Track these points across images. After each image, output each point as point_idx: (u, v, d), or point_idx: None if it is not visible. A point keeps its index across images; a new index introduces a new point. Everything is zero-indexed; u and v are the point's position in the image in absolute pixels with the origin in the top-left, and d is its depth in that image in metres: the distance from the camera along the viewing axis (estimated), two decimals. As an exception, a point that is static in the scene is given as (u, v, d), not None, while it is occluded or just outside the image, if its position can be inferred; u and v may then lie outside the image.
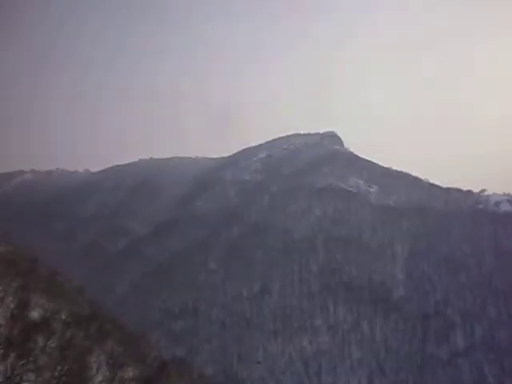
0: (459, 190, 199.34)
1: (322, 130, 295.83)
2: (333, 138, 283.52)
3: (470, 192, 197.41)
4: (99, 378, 43.74)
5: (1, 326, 36.07)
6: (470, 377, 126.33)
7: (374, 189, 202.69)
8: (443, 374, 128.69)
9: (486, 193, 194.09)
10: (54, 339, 39.85)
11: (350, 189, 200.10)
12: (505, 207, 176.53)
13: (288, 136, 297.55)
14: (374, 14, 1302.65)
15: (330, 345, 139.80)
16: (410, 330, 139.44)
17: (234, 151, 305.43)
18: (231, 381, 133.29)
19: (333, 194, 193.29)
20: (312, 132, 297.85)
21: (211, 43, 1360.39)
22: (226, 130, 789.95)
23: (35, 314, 45.31)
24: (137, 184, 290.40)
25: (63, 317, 51.16)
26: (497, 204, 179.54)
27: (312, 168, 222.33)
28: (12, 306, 42.54)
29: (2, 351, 31.80)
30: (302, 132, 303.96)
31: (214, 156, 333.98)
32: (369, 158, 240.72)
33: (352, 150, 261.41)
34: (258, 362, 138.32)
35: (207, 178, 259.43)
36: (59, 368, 33.76)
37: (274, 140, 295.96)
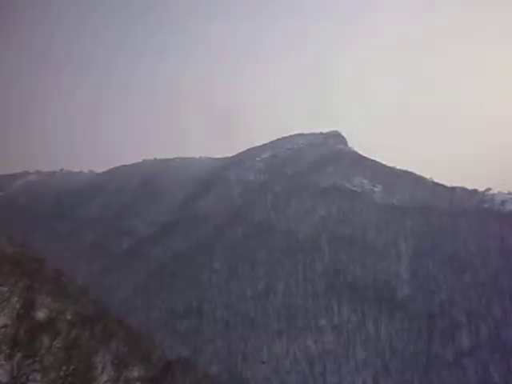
0: (464, 189, 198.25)
1: (323, 130, 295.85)
2: (337, 137, 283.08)
3: (475, 191, 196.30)
4: (104, 377, 43.83)
5: (7, 326, 36.21)
6: (476, 377, 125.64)
7: (378, 188, 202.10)
8: (448, 373, 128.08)
9: (491, 192, 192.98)
10: (60, 339, 39.95)
11: (354, 188, 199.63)
12: (510, 206, 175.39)
13: (292, 136, 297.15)
14: (374, 13, 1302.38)
15: (335, 345, 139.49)
16: (416, 329, 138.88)
17: (235, 151, 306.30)
18: (236, 380, 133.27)
19: (337, 193, 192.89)
20: (316, 131, 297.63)
21: (212, 43, 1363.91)
22: (227, 130, 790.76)
23: (41, 314, 45.46)
24: (140, 184, 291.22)
25: (68, 317, 51.31)
26: (502, 203, 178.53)
27: (316, 168, 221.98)
28: (18, 306, 42.69)
29: (8, 351, 31.95)
30: (305, 132, 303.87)
31: (215, 156, 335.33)
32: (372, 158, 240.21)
33: (356, 149, 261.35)
34: (263, 362, 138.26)
35: (211, 178, 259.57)
36: (65, 368, 33.84)
37: (278, 140, 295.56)
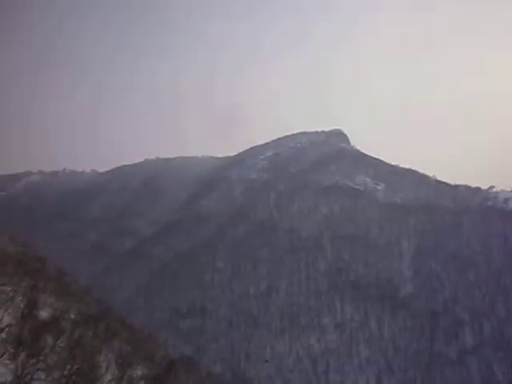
0: (467, 187, 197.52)
1: (325, 129, 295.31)
2: (339, 135, 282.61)
3: (478, 189, 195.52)
4: (108, 376, 43.90)
5: (11, 326, 36.29)
6: (479, 375, 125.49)
7: (380, 186, 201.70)
8: (452, 372, 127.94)
9: (494, 190, 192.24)
10: (63, 338, 40.03)
11: (356, 187, 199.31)
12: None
13: (294, 134, 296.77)
14: (374, 13, 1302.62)
15: (338, 343, 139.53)
16: (418, 327, 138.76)
17: (236, 151, 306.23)
18: (239, 379, 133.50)
19: (339, 192, 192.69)
20: (318, 130, 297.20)
21: (212, 43, 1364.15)
22: (227, 129, 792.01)
23: (44, 314, 45.56)
24: (143, 184, 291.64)
25: (72, 316, 51.44)
26: (506, 201, 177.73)
27: (318, 166, 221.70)
28: (21, 305, 42.80)
29: (12, 350, 32.03)
30: (307, 130, 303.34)
31: (216, 156, 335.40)
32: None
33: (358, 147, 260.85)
34: (266, 361, 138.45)
35: (213, 177, 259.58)
36: (69, 367, 33.90)
37: (280, 139, 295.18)
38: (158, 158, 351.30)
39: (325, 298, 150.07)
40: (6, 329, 35.74)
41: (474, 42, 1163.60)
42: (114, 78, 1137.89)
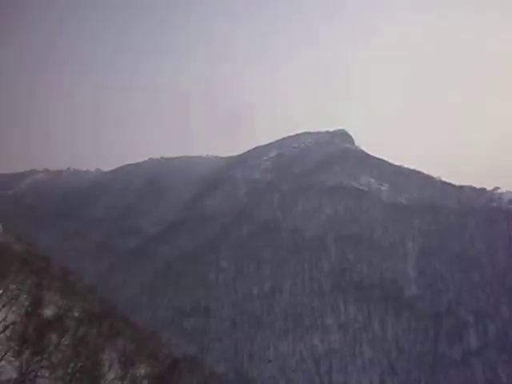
0: (472, 188, 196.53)
1: (329, 129, 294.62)
2: (343, 135, 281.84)
3: (483, 190, 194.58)
4: (111, 375, 44.12)
5: (15, 323, 36.57)
6: (483, 377, 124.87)
7: (385, 187, 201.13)
8: (456, 373, 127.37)
9: (499, 190, 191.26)
10: (68, 336, 40.29)
11: (361, 187, 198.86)
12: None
13: (298, 134, 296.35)
14: (378, 13, 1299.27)
15: (341, 343, 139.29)
16: (422, 329, 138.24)
17: (239, 151, 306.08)
18: (242, 379, 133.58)
19: (344, 192, 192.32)
20: (322, 130, 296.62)
21: (216, 43, 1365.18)
22: (231, 129, 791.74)
23: (49, 312, 45.86)
24: (147, 183, 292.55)
25: (76, 314, 51.74)
26: (511, 202, 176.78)
27: (323, 166, 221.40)
28: (26, 303, 43.13)
29: (16, 348, 32.28)
30: (311, 130, 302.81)
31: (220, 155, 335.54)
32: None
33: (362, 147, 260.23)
34: (269, 361, 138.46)
35: (217, 176, 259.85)
36: (72, 365, 34.11)
37: (284, 139, 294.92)
38: (162, 158, 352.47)
39: (328, 299, 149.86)
40: (11, 326, 36.02)
41: (480, 41, 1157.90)
42: (117, 78, 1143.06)
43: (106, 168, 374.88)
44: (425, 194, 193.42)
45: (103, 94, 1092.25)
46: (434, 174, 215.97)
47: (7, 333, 35.29)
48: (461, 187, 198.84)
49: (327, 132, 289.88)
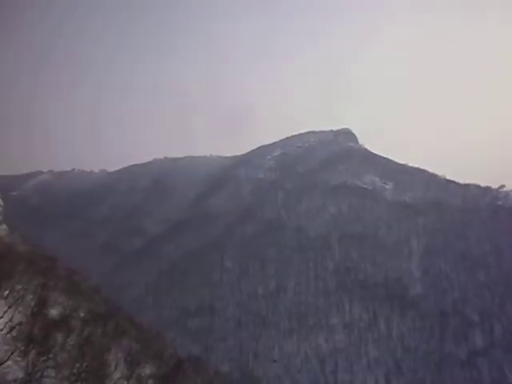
0: (477, 186, 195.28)
1: (335, 128, 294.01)
2: (347, 134, 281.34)
3: (488, 188, 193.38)
4: (117, 374, 44.29)
5: (22, 324, 36.80)
6: (489, 376, 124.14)
7: (389, 185, 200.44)
8: (461, 373, 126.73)
9: (504, 189, 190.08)
10: (73, 336, 40.51)
11: (365, 186, 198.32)
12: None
13: (302, 134, 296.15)
14: (382, 14, 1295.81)
15: (347, 343, 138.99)
16: (428, 328, 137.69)
17: (243, 151, 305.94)
18: (247, 379, 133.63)
19: (348, 191, 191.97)
20: (326, 129, 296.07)
21: (221, 42, 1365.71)
22: (235, 129, 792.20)
23: (54, 312, 46.09)
24: (151, 183, 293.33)
25: (81, 314, 51.98)
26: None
27: (327, 165, 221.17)
28: (32, 303, 43.38)
29: (23, 348, 32.46)
30: (315, 129, 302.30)
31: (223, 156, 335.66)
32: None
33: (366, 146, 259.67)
34: (274, 361, 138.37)
35: (221, 176, 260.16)
36: (78, 365, 34.30)
37: (288, 138, 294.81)
38: (166, 158, 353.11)
39: (333, 298, 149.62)
40: (17, 327, 36.28)
41: (485, 41, 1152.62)
42: (119, 78, 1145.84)
43: (109, 168, 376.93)
44: (429, 192, 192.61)
45: (105, 94, 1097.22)
46: (438, 172, 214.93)
47: (13, 333, 35.56)
48: (466, 185, 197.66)
49: (331, 131, 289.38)
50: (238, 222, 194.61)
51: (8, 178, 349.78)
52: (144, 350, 56.71)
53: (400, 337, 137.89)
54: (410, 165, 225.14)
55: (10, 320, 38.41)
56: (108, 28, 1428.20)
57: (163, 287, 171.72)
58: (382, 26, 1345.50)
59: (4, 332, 36.34)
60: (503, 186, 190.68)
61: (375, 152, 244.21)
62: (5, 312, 39.14)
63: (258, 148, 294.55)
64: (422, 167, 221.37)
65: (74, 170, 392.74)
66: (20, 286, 45.31)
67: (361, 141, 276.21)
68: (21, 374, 29.92)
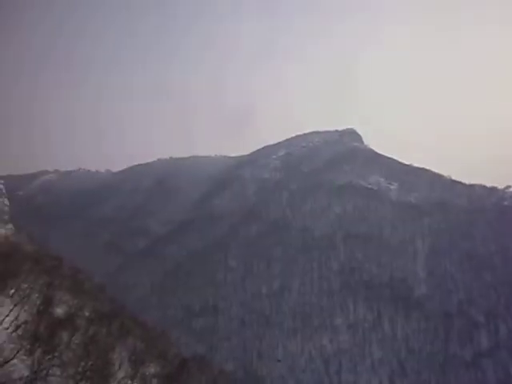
0: (483, 187, 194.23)
1: (339, 128, 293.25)
2: (352, 134, 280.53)
3: (494, 188, 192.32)
4: (122, 373, 44.48)
5: (27, 323, 37.06)
6: (495, 377, 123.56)
7: (394, 186, 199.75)
8: (467, 374, 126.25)
9: (511, 189, 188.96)
10: (78, 335, 40.74)
11: (370, 186, 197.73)
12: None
13: (307, 134, 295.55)
14: (384, 14, 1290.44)
15: (351, 343, 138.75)
16: (432, 329, 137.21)
17: (249, 150, 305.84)
18: (251, 378, 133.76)
19: (353, 191, 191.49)
20: (331, 129, 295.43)
21: (225, 43, 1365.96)
22: (240, 129, 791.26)
23: (60, 311, 46.38)
24: (156, 184, 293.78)
25: (86, 314, 52.25)
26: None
27: (331, 165, 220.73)
28: (38, 302, 43.68)
29: (28, 346, 32.70)
30: (320, 129, 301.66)
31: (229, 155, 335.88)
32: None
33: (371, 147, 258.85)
34: (278, 360, 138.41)
35: (226, 176, 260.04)
36: (83, 363, 34.51)
37: (293, 138, 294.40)
38: (170, 158, 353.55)
39: (337, 298, 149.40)
40: (23, 325, 36.54)
41: (488, 42, 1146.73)
42: (121, 78, 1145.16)
43: (112, 169, 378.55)
44: (434, 192, 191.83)
45: (106, 94, 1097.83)
46: (443, 172, 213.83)
47: (19, 331, 35.84)
48: (471, 186, 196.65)
49: (336, 131, 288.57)
50: (242, 222, 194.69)
51: (13, 178, 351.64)
52: (148, 349, 56.90)
53: (404, 337, 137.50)
54: (415, 165, 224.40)
55: (16, 318, 38.71)
56: (109, 28, 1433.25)
57: (168, 287, 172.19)
58: (383, 25, 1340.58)
59: (10, 330, 36.62)
60: (509, 187, 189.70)
61: (380, 152, 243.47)
62: (11, 311, 39.44)
63: (262, 148, 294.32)
64: (427, 167, 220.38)
65: (79, 169, 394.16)
66: (26, 285, 45.66)
67: (365, 141, 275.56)
68: (26, 373, 30.14)
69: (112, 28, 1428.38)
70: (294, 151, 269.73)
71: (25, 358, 32.04)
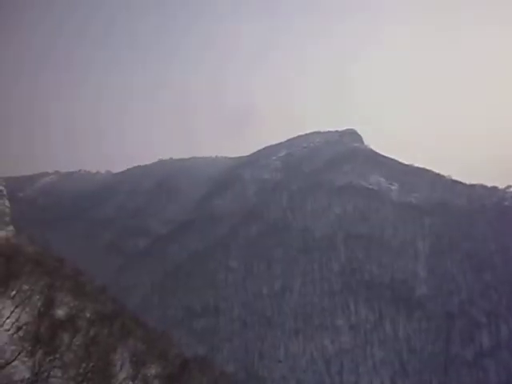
0: (484, 187, 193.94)
1: (340, 128, 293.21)
2: (352, 135, 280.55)
3: (495, 188, 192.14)
4: (123, 374, 44.47)
5: (28, 324, 37.02)
6: (496, 377, 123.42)
7: (395, 186, 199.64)
8: (468, 374, 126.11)
9: (511, 189, 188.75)
10: (79, 337, 40.67)
11: (370, 186, 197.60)
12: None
13: (307, 134, 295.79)
14: (386, 14, 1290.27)
15: (352, 344, 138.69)
16: (434, 329, 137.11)
17: (249, 151, 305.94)
18: (252, 379, 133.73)
19: (353, 191, 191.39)
20: (331, 130, 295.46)
21: (225, 42, 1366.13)
22: (240, 129, 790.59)
23: (61, 312, 46.31)
24: (157, 184, 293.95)
25: (88, 315, 52.20)
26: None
27: (332, 166, 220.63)
28: (39, 304, 43.62)
29: (29, 348, 32.63)
30: (321, 130, 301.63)
31: (228, 156, 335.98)
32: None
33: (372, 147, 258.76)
34: (280, 361, 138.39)
35: (226, 177, 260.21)
36: (84, 365, 34.42)
37: (294, 138, 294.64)
38: (171, 159, 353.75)
39: (339, 299, 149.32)
40: (24, 327, 36.51)
41: (489, 42, 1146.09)
42: (121, 79, 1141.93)
43: (112, 169, 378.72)
44: (435, 193, 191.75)
45: (106, 94, 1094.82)
46: (444, 172, 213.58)
47: (20, 333, 35.79)
48: (472, 186, 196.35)
49: (336, 131, 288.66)
50: (243, 222, 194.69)
51: (14, 180, 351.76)
52: (150, 350, 56.86)
53: (406, 338, 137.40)
54: (416, 165, 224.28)
55: (17, 320, 38.70)
56: (108, 28, 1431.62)
57: (168, 288, 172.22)
58: (383, 25, 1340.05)
59: (11, 332, 36.61)
60: (510, 187, 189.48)
61: (380, 152, 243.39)
62: (12, 312, 39.44)
63: (263, 148, 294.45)
64: (427, 167, 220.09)
65: (79, 171, 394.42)
66: (27, 287, 45.64)
67: (366, 141, 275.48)
68: (27, 374, 30.11)
69: (112, 28, 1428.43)
70: (295, 152, 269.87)
71: (26, 359, 31.99)
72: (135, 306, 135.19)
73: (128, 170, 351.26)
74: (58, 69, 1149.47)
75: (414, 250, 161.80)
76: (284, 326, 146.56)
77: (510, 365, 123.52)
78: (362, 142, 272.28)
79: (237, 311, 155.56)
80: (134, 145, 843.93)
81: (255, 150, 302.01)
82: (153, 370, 52.17)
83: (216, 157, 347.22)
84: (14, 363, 29.94)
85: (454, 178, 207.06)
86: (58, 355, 33.09)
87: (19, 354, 31.01)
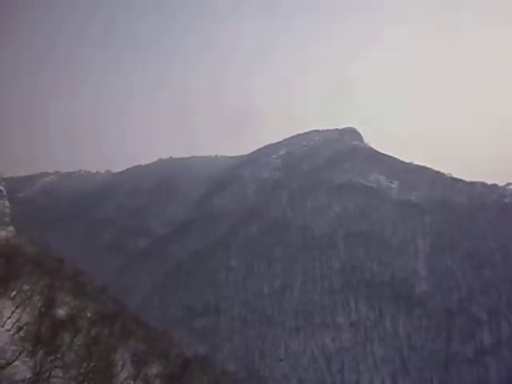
0: (484, 184, 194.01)
1: (340, 126, 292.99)
2: (352, 133, 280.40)
3: (495, 186, 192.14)
4: (124, 374, 44.57)
5: (29, 324, 37.10)
6: (497, 375, 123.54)
7: (395, 184, 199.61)
8: (469, 371, 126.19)
9: (511, 186, 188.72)
10: (80, 337, 40.76)
11: (370, 184, 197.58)
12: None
13: (307, 133, 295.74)
14: (386, 14, 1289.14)
15: (353, 342, 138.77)
16: (434, 327, 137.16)
17: (249, 150, 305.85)
18: (253, 378, 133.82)
19: (353, 190, 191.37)
20: (331, 128, 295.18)
21: (225, 42, 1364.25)
22: (240, 129, 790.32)
23: (62, 312, 46.39)
24: (157, 184, 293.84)
25: (88, 315, 52.29)
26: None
27: (332, 164, 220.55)
28: (39, 304, 43.68)
29: (31, 348, 32.71)
30: (320, 128, 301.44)
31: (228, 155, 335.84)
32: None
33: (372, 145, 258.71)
34: (280, 359, 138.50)
35: (226, 176, 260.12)
36: (85, 365, 34.50)
37: (293, 137, 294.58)
38: (171, 158, 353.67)
39: (339, 297, 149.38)
40: (25, 327, 36.58)
41: (489, 42, 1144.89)
42: (121, 79, 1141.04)
43: (112, 169, 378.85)
44: (435, 190, 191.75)
45: (106, 94, 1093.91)
46: (443, 171, 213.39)
47: (21, 333, 35.87)
48: (472, 183, 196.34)
49: (336, 130, 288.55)
50: (243, 221, 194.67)
51: (14, 180, 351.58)
52: (151, 349, 56.95)
53: (406, 336, 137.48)
54: (416, 163, 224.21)
55: (18, 320, 38.77)
56: (108, 28, 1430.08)
57: (169, 287, 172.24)
58: (383, 25, 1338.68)
59: (12, 332, 36.69)
60: (510, 184, 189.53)
61: (380, 150, 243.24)
62: (12, 312, 39.49)
63: (263, 147, 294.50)
64: (427, 165, 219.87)
65: (79, 171, 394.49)
66: (27, 287, 45.68)
67: (366, 139, 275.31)
68: (28, 374, 30.17)
69: (112, 28, 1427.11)
70: (295, 150, 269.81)
71: (27, 359, 32.06)
72: (136, 305, 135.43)
73: (128, 169, 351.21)
74: (58, 69, 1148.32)
75: (414, 248, 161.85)
76: (284, 324, 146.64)
77: (511, 362, 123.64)
78: (362, 140, 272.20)
79: (237, 310, 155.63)
80: (134, 145, 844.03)
81: (255, 149, 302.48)
82: (154, 370, 52.27)
83: (216, 156, 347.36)
84: (15, 363, 30.01)
85: (454, 176, 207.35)
86: (59, 355, 33.17)
87: (20, 354, 31.08)
